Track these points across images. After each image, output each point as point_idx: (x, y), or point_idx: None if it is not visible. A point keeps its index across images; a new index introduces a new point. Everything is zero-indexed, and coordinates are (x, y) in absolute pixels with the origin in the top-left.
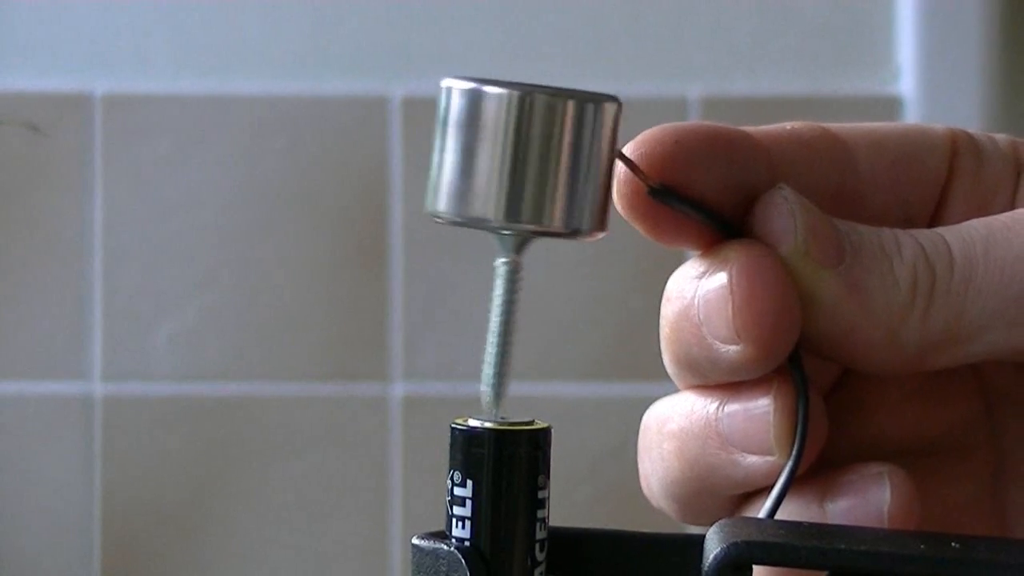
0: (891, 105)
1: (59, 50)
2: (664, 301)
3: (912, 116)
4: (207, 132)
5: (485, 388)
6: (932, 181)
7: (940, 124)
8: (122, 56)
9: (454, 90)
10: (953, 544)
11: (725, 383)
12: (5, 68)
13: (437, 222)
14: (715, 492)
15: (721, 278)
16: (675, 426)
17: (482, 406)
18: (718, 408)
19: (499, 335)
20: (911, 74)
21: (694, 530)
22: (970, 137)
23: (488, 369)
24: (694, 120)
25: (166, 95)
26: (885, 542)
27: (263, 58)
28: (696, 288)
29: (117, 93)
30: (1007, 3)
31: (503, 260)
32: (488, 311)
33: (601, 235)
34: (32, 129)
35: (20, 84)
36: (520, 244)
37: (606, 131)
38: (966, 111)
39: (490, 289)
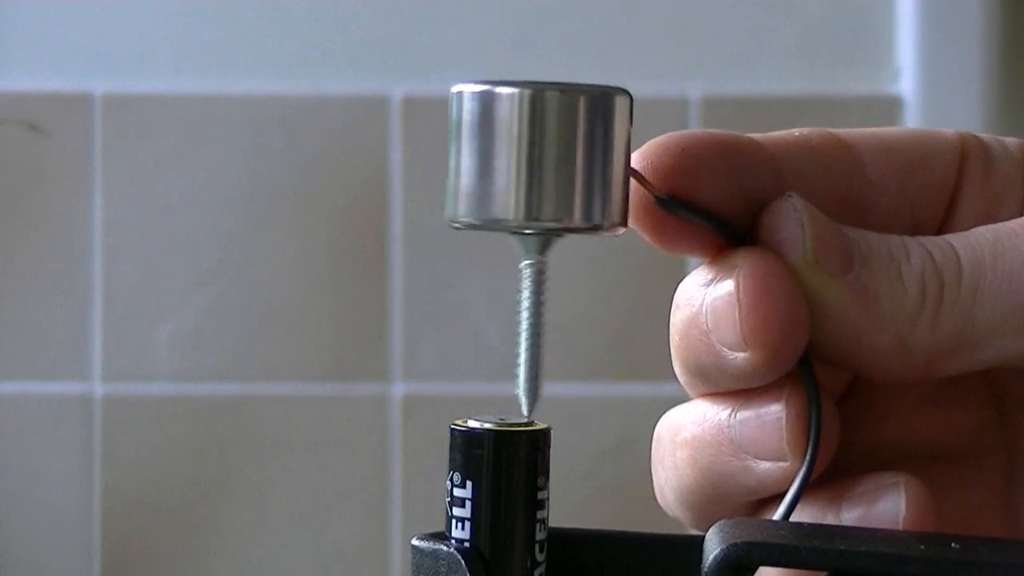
0: (891, 105)
1: (59, 50)
2: (673, 309)
3: (912, 116)
4: (207, 132)
5: (519, 392)
6: (941, 186)
7: (950, 128)
8: (122, 56)
9: (465, 94)
10: (953, 545)
11: (737, 390)
12: (5, 68)
13: (456, 228)
14: (729, 499)
15: (728, 285)
16: (688, 434)
17: (520, 410)
18: (730, 415)
19: (529, 338)
20: (911, 74)
21: (695, 531)
22: (980, 141)
23: (520, 372)
24: (699, 126)
25: (166, 95)
26: (885, 543)
27: (263, 58)
28: (704, 295)
29: (117, 93)
30: (1007, 3)
31: (528, 262)
32: (516, 314)
33: (623, 229)
34: (32, 129)
35: (20, 84)
36: (543, 244)
37: (619, 124)
38: (966, 111)
39: (510, 290)
